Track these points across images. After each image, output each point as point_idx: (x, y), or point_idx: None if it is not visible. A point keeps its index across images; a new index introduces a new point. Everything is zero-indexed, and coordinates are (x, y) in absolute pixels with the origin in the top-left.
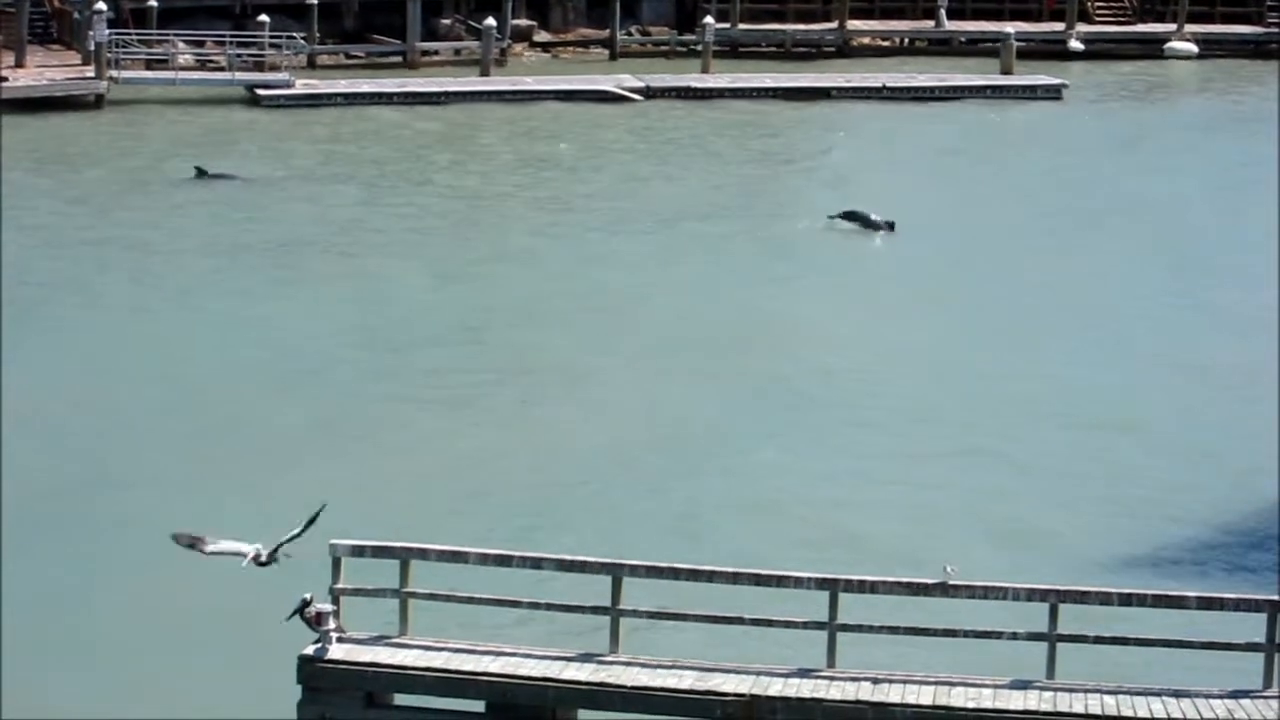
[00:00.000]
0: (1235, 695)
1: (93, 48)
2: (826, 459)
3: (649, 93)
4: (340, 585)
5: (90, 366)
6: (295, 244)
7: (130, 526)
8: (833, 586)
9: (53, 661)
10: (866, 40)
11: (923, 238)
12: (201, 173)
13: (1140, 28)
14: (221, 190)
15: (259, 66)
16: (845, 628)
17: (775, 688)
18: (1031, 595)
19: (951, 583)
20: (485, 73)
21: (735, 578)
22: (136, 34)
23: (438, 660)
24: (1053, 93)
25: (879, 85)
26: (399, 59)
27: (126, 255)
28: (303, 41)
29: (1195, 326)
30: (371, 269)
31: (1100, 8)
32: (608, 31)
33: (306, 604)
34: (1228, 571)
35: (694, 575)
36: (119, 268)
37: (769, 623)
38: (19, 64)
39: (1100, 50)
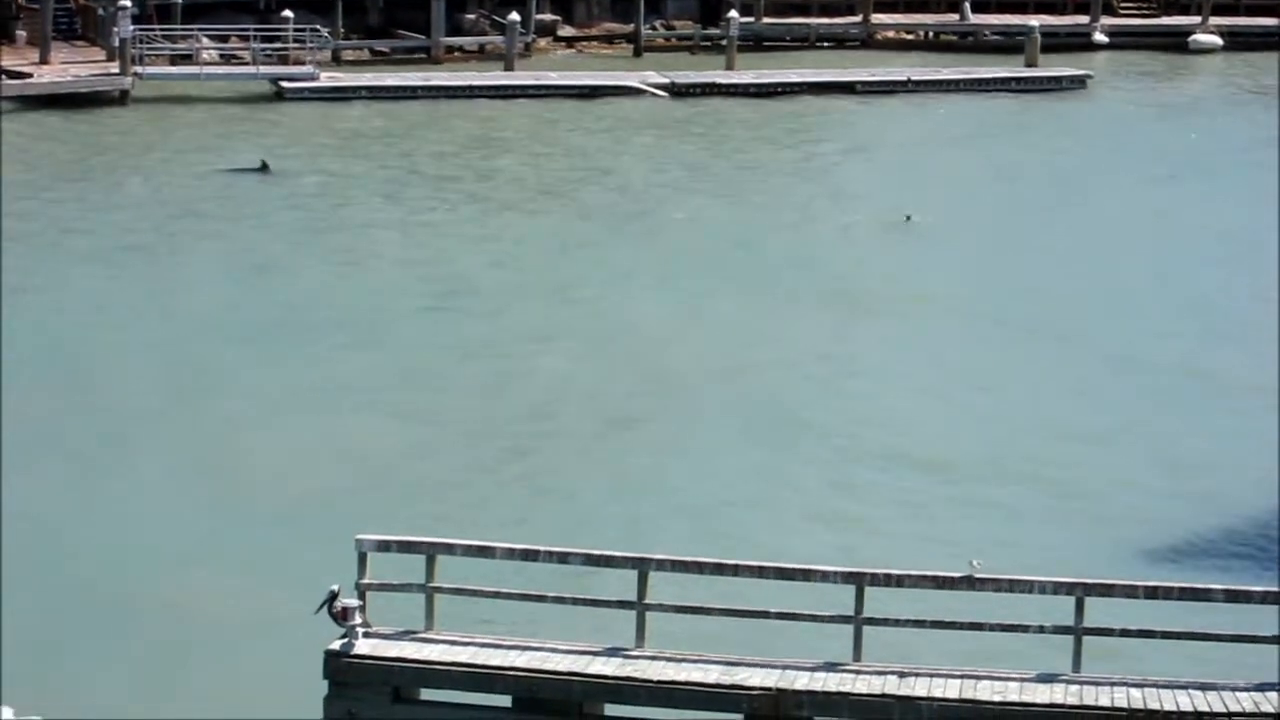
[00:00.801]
0: (1261, 688)
1: (117, 44)
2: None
3: (674, 89)
4: (366, 580)
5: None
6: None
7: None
8: (859, 580)
9: (80, 655)
10: (891, 34)
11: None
12: (265, 167)
13: (1165, 20)
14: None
15: (283, 60)
16: (871, 621)
17: (801, 681)
18: (1058, 589)
19: (977, 576)
20: (509, 67)
21: (761, 571)
22: (161, 29)
23: (464, 655)
24: (1078, 84)
25: (904, 79)
26: (423, 54)
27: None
28: (327, 36)
29: (1220, 320)
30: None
31: (1125, 2)
32: (632, 26)
33: (334, 595)
34: (1254, 564)
35: (719, 569)
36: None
37: (795, 616)
38: (43, 60)
39: (1125, 43)
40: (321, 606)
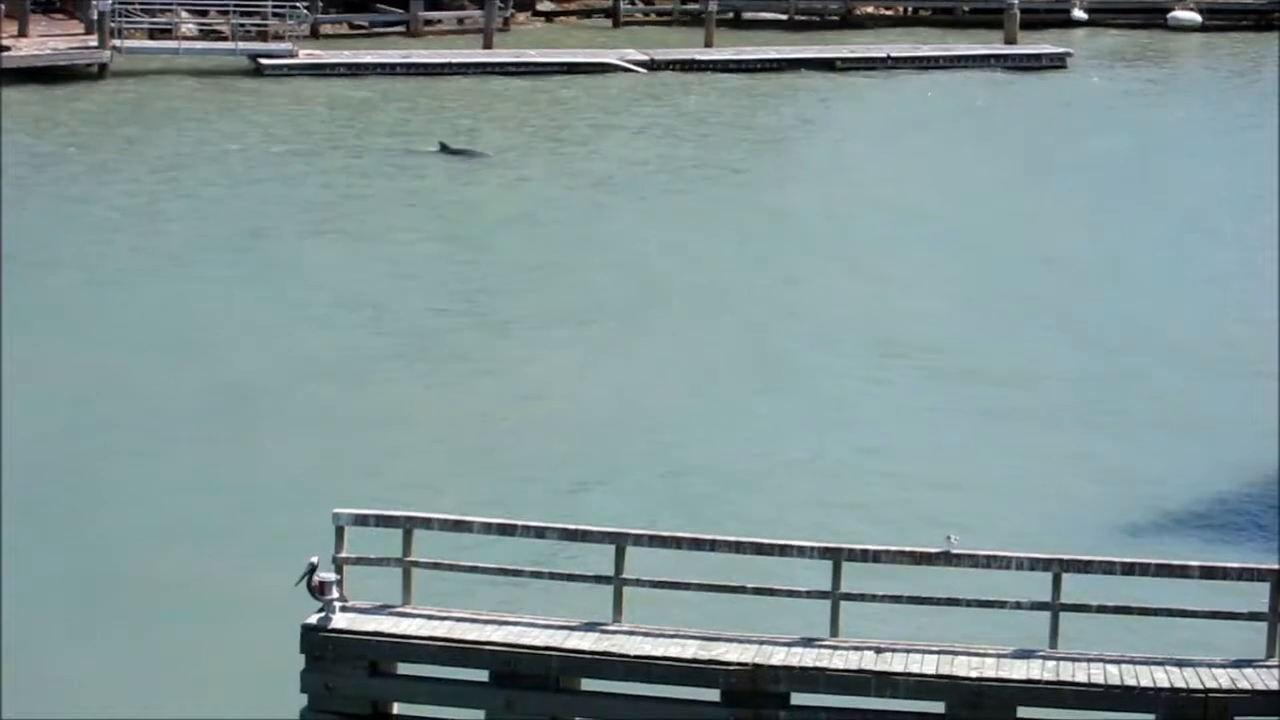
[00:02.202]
0: (1238, 665)
1: (96, 17)
2: None
3: (653, 65)
4: (344, 554)
5: None
6: None
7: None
8: (836, 555)
9: (59, 628)
10: (870, 10)
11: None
12: (445, 148)
13: None
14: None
15: (262, 36)
16: (848, 596)
17: (778, 657)
18: (1035, 565)
19: (954, 552)
20: (489, 43)
21: (738, 547)
22: (139, 3)
23: (441, 630)
24: (1057, 61)
25: (884, 56)
26: (402, 28)
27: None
28: (305, 11)
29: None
30: None
31: None
32: (610, 0)
33: (314, 568)
34: (1231, 541)
35: (696, 544)
36: None
37: (772, 592)
38: (22, 33)
39: (1104, 20)
40: (302, 579)
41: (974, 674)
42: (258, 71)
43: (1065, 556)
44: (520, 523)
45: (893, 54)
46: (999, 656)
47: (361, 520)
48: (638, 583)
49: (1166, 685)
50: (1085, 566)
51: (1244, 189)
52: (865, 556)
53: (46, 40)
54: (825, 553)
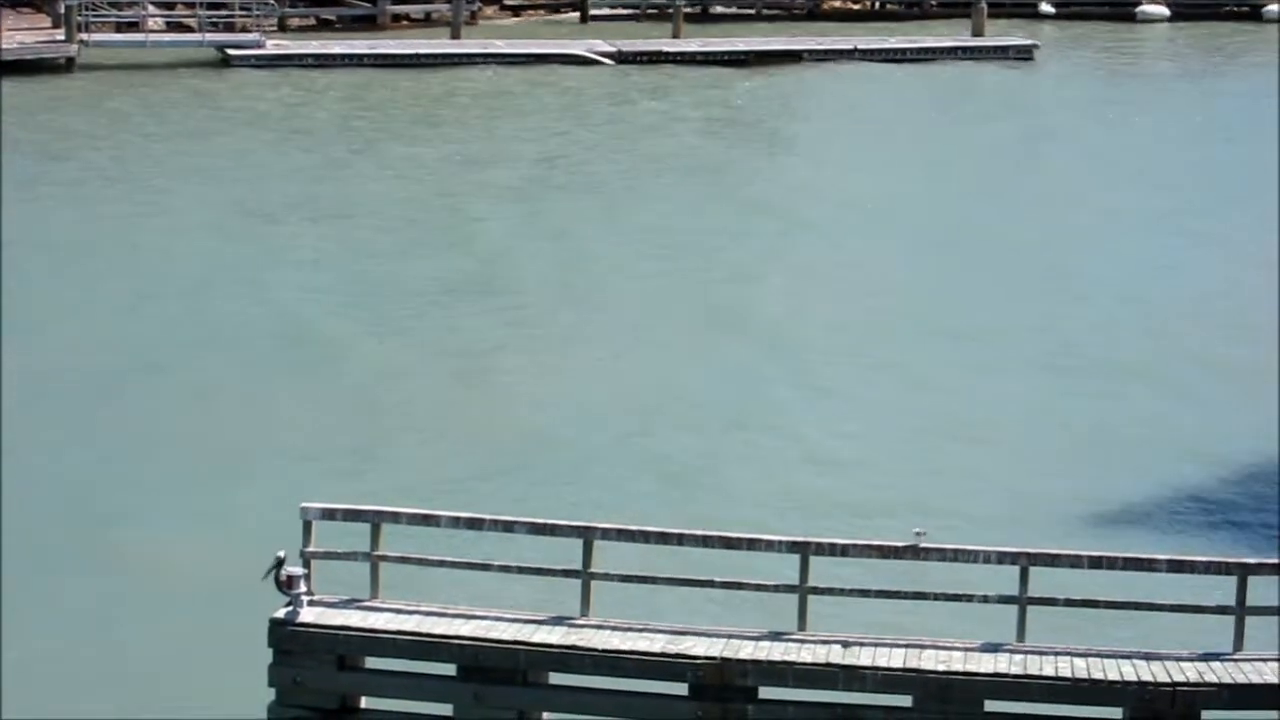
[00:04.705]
0: (1205, 658)
1: (63, 10)
2: None
3: (620, 57)
4: (311, 548)
5: None
6: None
7: None
8: (803, 549)
9: (23, 621)
10: (838, 3)
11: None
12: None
13: None
14: None
15: (229, 28)
16: (816, 590)
17: (746, 651)
18: (1002, 558)
19: (922, 545)
20: (456, 35)
21: (706, 541)
22: None
23: (409, 624)
24: (1024, 54)
25: (850, 48)
26: (369, 21)
27: None
28: (273, 3)
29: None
30: None
31: None
32: None
33: (281, 562)
34: (1198, 534)
35: (664, 538)
36: None
37: (740, 586)
38: None
39: (1072, 13)
40: (269, 573)
41: (941, 667)
42: (225, 63)
43: (1033, 550)
44: (489, 517)
45: (860, 46)
46: (966, 650)
47: (329, 514)
48: (606, 576)
49: (1134, 678)
50: (1053, 560)
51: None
52: (833, 550)
53: (14, 34)
54: (793, 546)
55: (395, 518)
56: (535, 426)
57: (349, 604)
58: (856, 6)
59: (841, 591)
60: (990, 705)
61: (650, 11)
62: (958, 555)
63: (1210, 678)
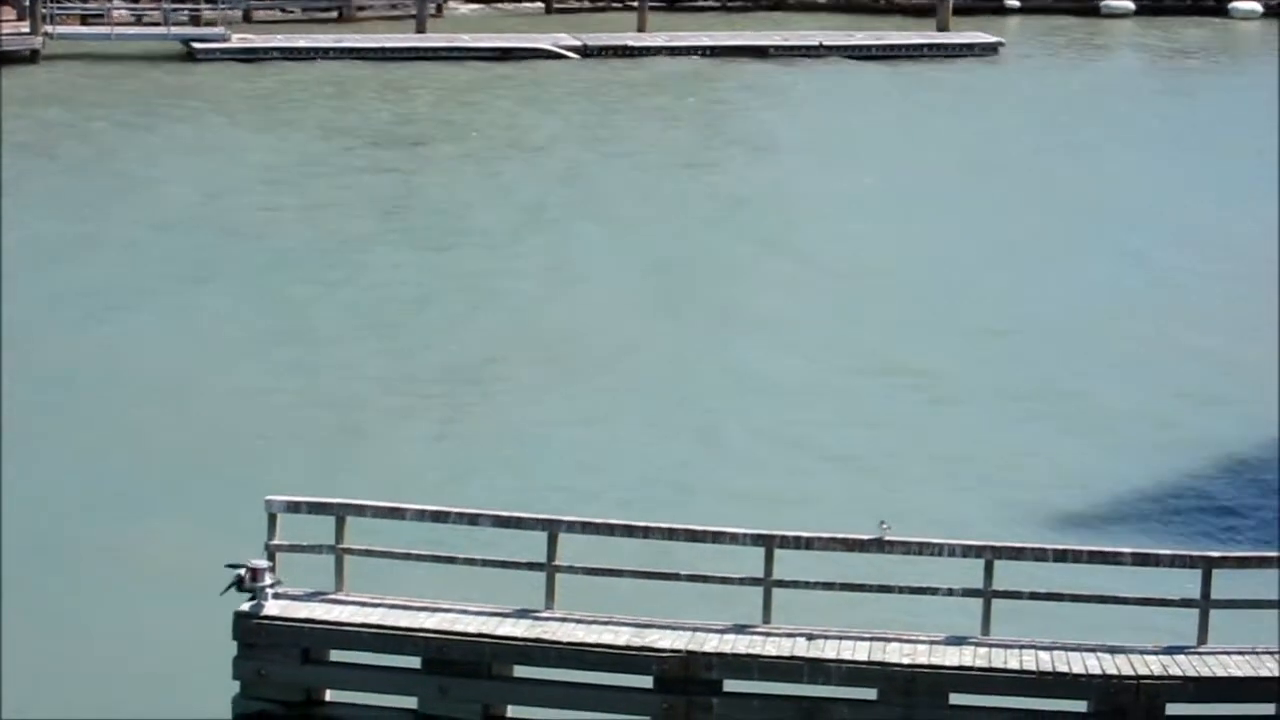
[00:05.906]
0: (1170, 651)
1: (28, 3)
2: None
3: (586, 51)
4: (276, 541)
5: None
6: None
7: None
8: (768, 542)
9: None
10: None
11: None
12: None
13: None
14: None
15: (195, 21)
16: (781, 583)
17: (711, 644)
18: (967, 552)
19: (887, 539)
20: (421, 28)
21: (671, 533)
22: None
23: (374, 616)
24: (990, 51)
25: (816, 43)
26: (335, 13)
27: None
28: None
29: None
30: None
31: None
32: None
33: (240, 580)
34: (1163, 528)
35: (629, 531)
36: None
37: (705, 579)
38: None
39: (1037, 7)
40: (228, 589)
41: (906, 660)
42: (190, 56)
43: (997, 544)
44: (454, 509)
45: (825, 41)
46: (931, 643)
47: (294, 507)
48: (570, 569)
49: (1098, 671)
50: (1017, 554)
51: None
52: (798, 543)
53: None
54: (758, 539)
55: (360, 510)
56: None
57: (314, 597)
58: (822, 0)
59: (806, 584)
60: (955, 698)
61: (615, 4)
62: (923, 549)
63: (1175, 671)
